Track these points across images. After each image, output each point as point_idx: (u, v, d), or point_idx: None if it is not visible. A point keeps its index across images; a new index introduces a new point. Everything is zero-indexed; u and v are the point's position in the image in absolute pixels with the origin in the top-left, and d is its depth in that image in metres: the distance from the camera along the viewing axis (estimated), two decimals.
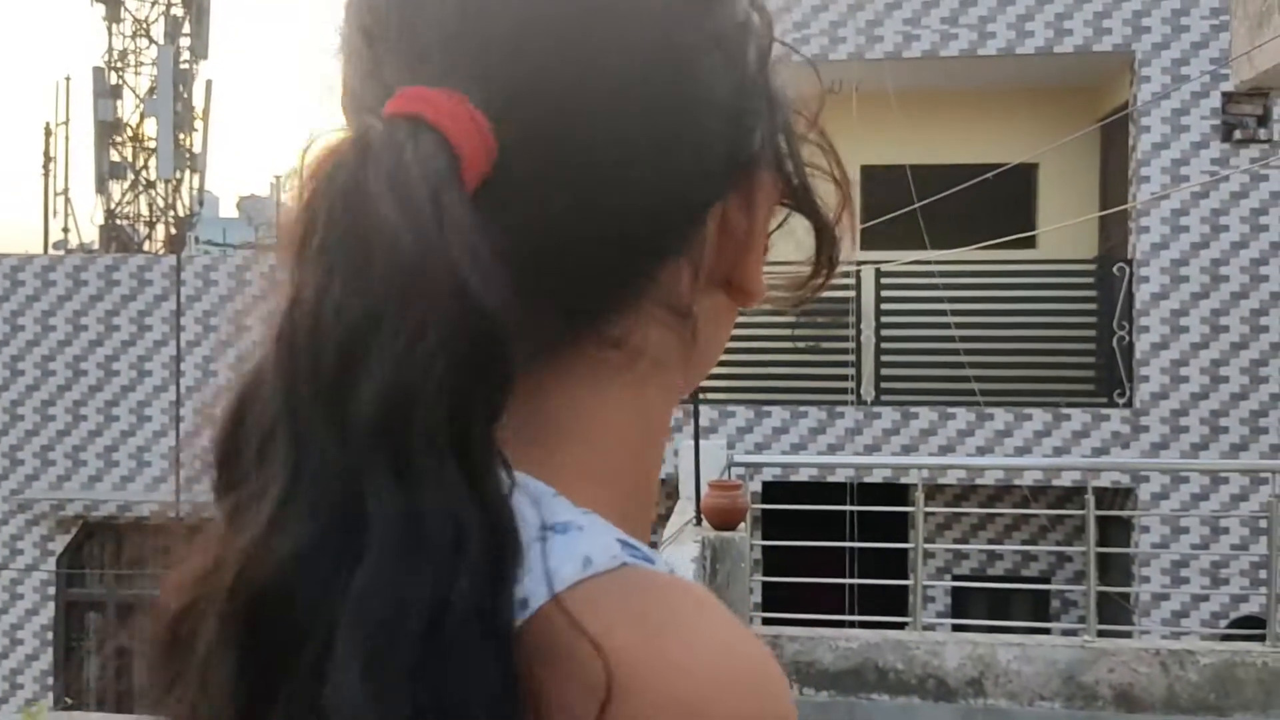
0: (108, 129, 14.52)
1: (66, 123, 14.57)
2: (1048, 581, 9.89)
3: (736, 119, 0.56)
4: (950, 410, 9.37)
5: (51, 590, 10.75)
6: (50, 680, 10.71)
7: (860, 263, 9.65)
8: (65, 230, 14.44)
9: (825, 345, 9.71)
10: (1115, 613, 8.61)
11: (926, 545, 7.27)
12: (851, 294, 9.59)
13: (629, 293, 0.55)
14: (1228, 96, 9.10)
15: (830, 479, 9.24)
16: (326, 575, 0.45)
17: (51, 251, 13.30)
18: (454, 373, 0.45)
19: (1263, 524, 8.90)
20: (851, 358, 9.64)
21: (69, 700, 9.92)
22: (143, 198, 14.78)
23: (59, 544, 10.74)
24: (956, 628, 8.02)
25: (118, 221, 14.57)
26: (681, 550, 5.96)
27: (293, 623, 0.45)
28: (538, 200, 0.52)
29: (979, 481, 9.51)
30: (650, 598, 0.47)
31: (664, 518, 8.97)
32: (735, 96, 0.56)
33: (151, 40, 14.95)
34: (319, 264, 0.47)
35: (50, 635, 10.75)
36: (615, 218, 0.53)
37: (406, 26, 0.52)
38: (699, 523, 6.50)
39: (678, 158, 0.54)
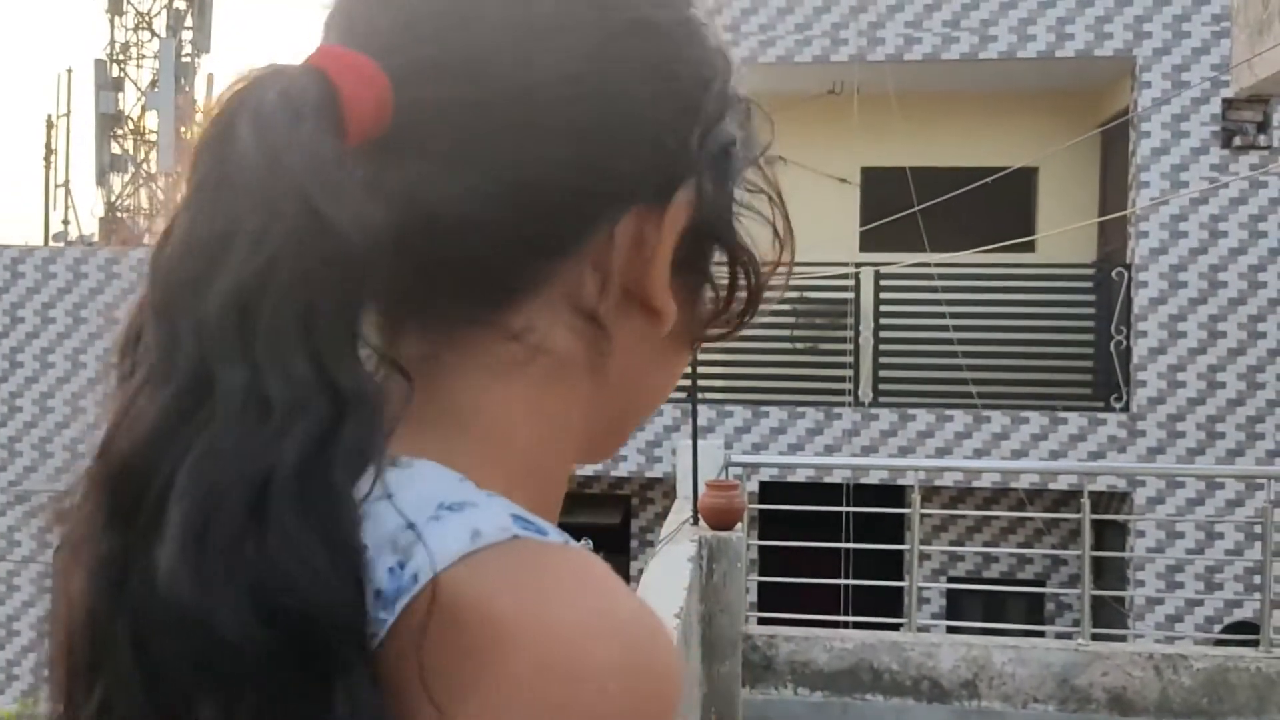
0: (109, 121, 14.52)
1: (68, 115, 14.57)
2: (1043, 584, 9.91)
3: (659, 137, 0.58)
4: (948, 412, 9.39)
5: (48, 583, 10.75)
6: (46, 672, 10.71)
7: (859, 264, 9.67)
8: (65, 222, 14.43)
9: (823, 346, 9.73)
10: (1110, 616, 8.63)
11: (922, 547, 7.30)
12: (850, 295, 9.61)
13: (527, 284, 0.57)
14: (1228, 103, 9.12)
15: (827, 480, 9.26)
16: (175, 449, 0.48)
17: (51, 243, 13.29)
18: (301, 281, 0.49)
19: (1257, 529, 8.91)
20: (850, 359, 9.66)
21: None
22: (143, 190, 14.78)
23: (56, 536, 10.74)
24: (951, 629, 8.05)
25: (118, 214, 14.57)
26: (678, 549, 5.98)
27: (142, 492, 0.48)
28: (435, 169, 0.55)
29: (975, 484, 9.53)
30: (533, 566, 0.49)
31: (661, 516, 8.99)
32: (662, 115, 0.58)
33: (153, 33, 14.97)
34: (192, 185, 0.52)
35: (47, 628, 10.75)
36: (513, 203, 0.55)
37: (344, 13, 0.59)
38: (696, 522, 6.52)
39: (587, 156, 0.57)
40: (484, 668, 0.46)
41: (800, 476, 9.31)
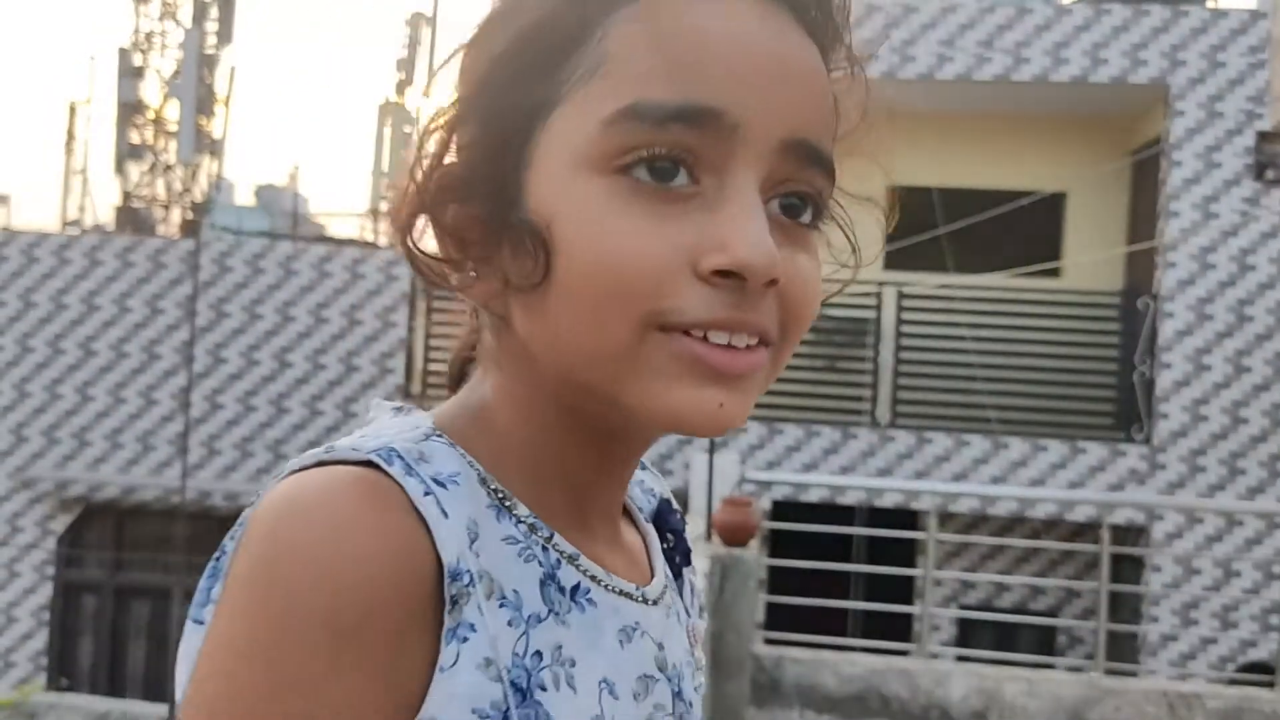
0: (129, 110, 14.48)
1: (89, 102, 14.52)
2: (1055, 616, 9.77)
3: None
4: (966, 437, 9.27)
5: (50, 570, 10.67)
6: (44, 660, 10.63)
7: (882, 283, 9.56)
8: (80, 209, 14.38)
9: (843, 365, 9.61)
10: (1122, 651, 8.50)
11: (935, 573, 7.17)
12: (872, 314, 9.50)
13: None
14: (1261, 135, 9.01)
15: (841, 501, 9.14)
16: None
17: (67, 230, 13.24)
18: None
19: (1276, 569, 8.80)
20: (869, 379, 9.55)
21: (65, 681, 9.84)
22: (160, 180, 14.73)
23: (60, 524, 10.67)
24: (960, 658, 7.91)
25: (134, 203, 14.51)
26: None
27: None
28: None
29: (991, 511, 9.40)
30: (303, 476, 0.60)
31: None
32: None
33: (178, 23, 14.92)
34: None
35: (46, 615, 10.67)
36: None
37: None
38: (709, 538, 6.41)
39: None
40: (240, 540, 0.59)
41: (814, 497, 9.18)
